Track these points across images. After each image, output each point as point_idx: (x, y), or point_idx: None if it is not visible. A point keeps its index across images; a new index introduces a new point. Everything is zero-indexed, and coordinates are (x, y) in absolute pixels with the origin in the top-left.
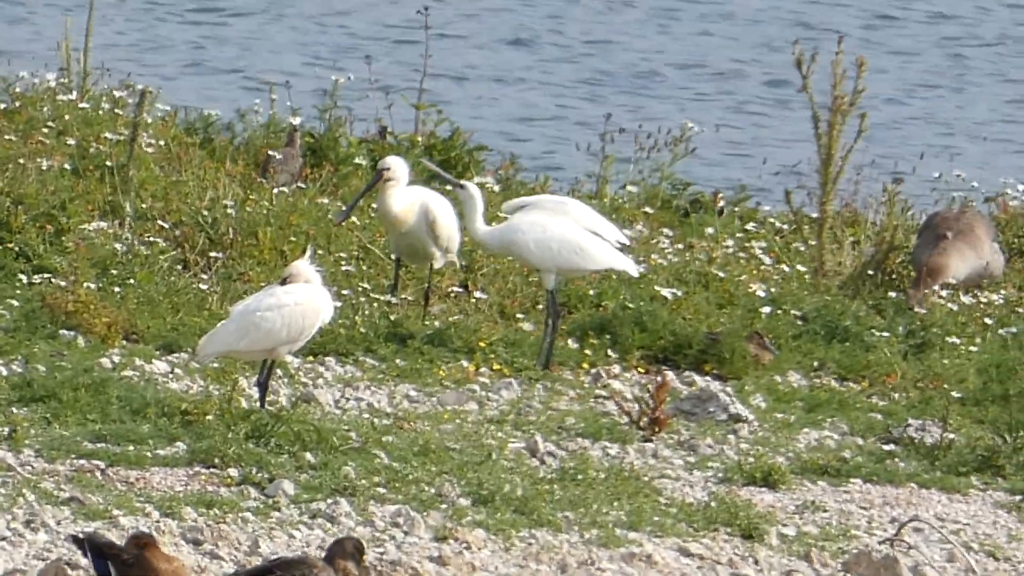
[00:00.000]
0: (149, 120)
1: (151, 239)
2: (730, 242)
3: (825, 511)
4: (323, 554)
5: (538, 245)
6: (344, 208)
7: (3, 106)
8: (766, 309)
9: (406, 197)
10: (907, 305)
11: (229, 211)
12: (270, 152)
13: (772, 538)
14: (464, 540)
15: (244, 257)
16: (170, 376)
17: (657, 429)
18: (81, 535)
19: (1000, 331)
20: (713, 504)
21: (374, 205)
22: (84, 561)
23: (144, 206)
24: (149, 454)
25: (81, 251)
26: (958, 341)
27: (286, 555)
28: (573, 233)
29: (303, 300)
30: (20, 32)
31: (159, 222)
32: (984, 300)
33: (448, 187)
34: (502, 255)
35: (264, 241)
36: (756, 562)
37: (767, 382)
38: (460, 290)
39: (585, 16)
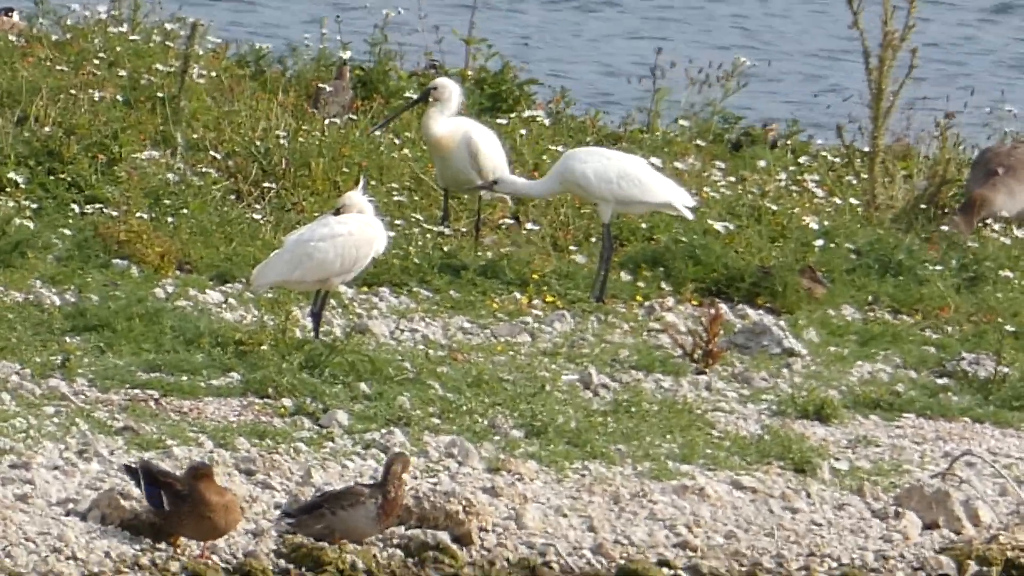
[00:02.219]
0: (200, 52)
1: (203, 169)
2: (783, 175)
3: (877, 445)
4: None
5: (596, 174)
6: (383, 119)
7: (54, 37)
8: (819, 242)
9: (449, 123)
10: (950, 229)
11: (282, 142)
12: (321, 84)
13: (824, 472)
14: (517, 471)
15: (297, 187)
16: (224, 306)
17: (710, 362)
18: (135, 464)
19: None
20: (766, 437)
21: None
22: (137, 492)
23: (196, 136)
24: (203, 384)
25: (133, 181)
26: (1011, 275)
27: (334, 488)
28: (633, 165)
29: (356, 230)
30: None
31: (211, 152)
32: None
33: (480, 187)
34: (563, 193)
35: (316, 172)
36: (808, 496)
37: (820, 316)
38: (512, 221)
39: None
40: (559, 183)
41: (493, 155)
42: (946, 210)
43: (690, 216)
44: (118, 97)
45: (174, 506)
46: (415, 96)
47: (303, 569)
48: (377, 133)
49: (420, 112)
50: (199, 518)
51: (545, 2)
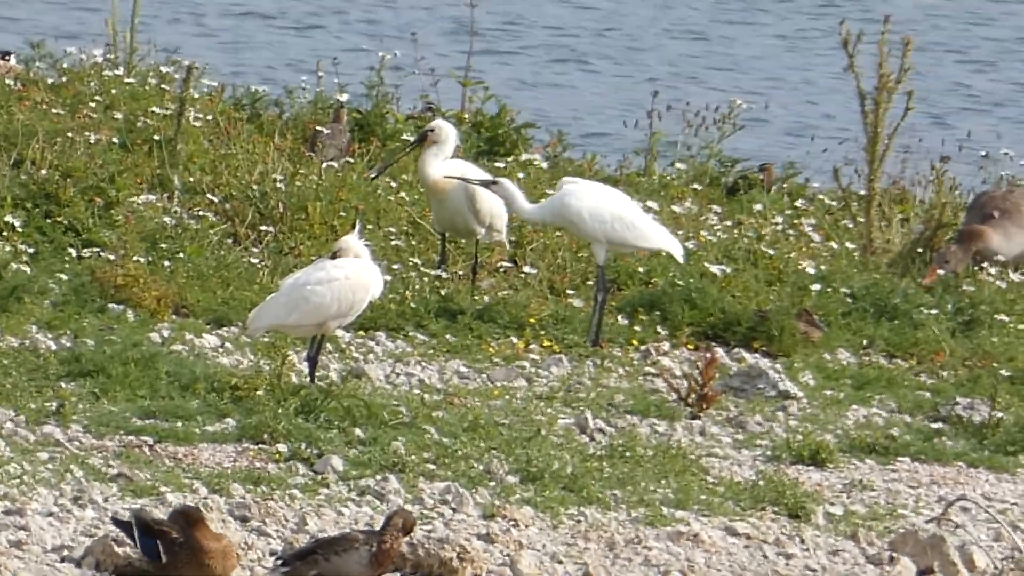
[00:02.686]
0: (196, 95)
1: (200, 213)
2: (779, 219)
3: (872, 490)
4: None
5: (591, 214)
6: (380, 163)
7: (50, 81)
8: (815, 286)
9: (446, 166)
10: (938, 261)
11: (278, 185)
12: (318, 127)
13: (819, 517)
14: (512, 517)
15: (294, 231)
16: (220, 351)
17: (705, 406)
18: (127, 516)
19: None
20: (761, 483)
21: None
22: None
23: (192, 180)
24: (198, 430)
25: (130, 225)
26: (1007, 319)
27: (329, 534)
28: (626, 207)
29: (353, 274)
30: (66, 9)
31: (208, 196)
32: None
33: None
34: (554, 226)
35: (314, 215)
36: (803, 541)
37: (816, 359)
38: (509, 265)
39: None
40: (551, 214)
41: (490, 198)
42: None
43: (680, 258)
44: (114, 140)
45: (171, 555)
46: (412, 139)
47: None
48: (374, 178)
49: (417, 156)
50: (197, 566)
51: (543, 47)
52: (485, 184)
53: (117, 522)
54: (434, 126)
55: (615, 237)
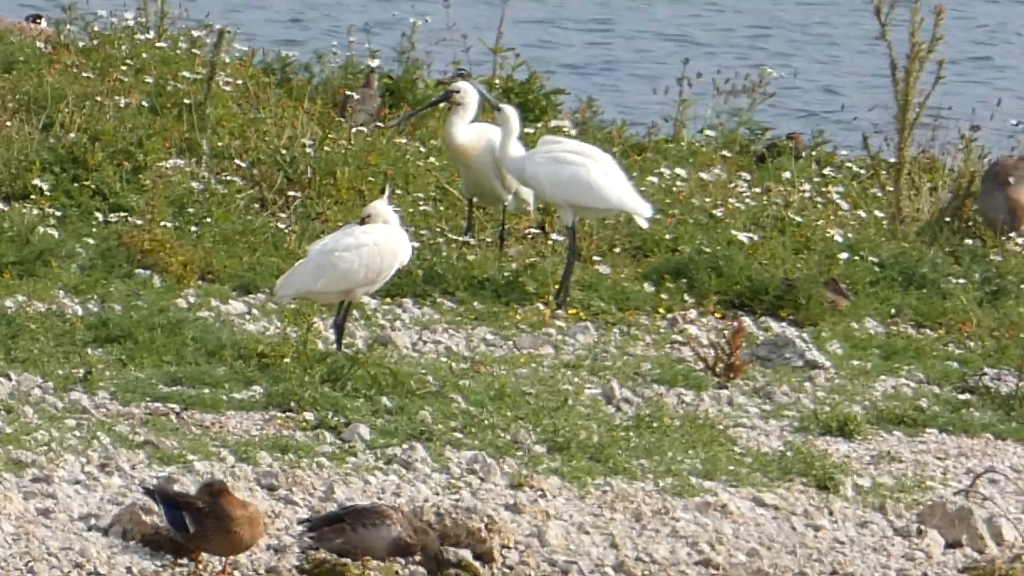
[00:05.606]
0: (226, 60)
1: (228, 177)
2: (807, 187)
3: (900, 461)
4: (397, 501)
5: (549, 179)
6: (401, 115)
7: (81, 44)
8: (843, 255)
9: (472, 130)
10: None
11: (307, 150)
12: (348, 92)
13: (847, 489)
14: (539, 487)
15: (322, 196)
16: (246, 317)
17: (733, 375)
18: (151, 487)
19: None
20: (788, 454)
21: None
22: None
23: (221, 144)
24: (225, 397)
25: (158, 189)
26: None
27: (358, 503)
28: (587, 170)
29: (381, 240)
30: None
31: (236, 160)
32: None
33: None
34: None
35: (342, 180)
36: (831, 513)
37: (843, 328)
38: (537, 231)
39: None
40: (516, 175)
41: None
42: (970, 223)
43: (646, 215)
44: (143, 104)
45: (198, 525)
46: (435, 97)
47: None
48: (394, 125)
49: (442, 117)
50: (225, 533)
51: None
52: (493, 106)
53: (146, 490)
54: (459, 87)
55: (573, 200)
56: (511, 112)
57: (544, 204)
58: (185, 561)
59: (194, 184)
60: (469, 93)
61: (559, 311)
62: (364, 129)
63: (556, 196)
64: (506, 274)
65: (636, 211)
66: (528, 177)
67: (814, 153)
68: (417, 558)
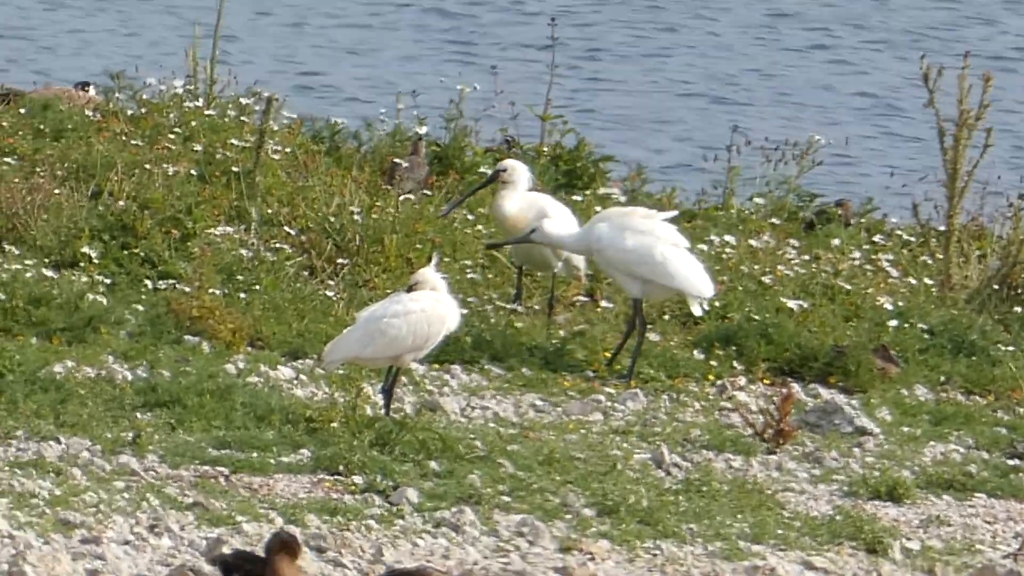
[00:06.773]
0: (275, 128)
1: (277, 245)
2: (857, 254)
3: (949, 525)
4: (447, 564)
5: (612, 243)
6: (451, 202)
7: (130, 112)
8: (893, 322)
9: (522, 200)
10: None
11: (356, 217)
12: (396, 160)
13: (896, 552)
14: (588, 551)
15: (370, 264)
16: (295, 383)
17: (782, 441)
18: (223, 555)
19: None
20: (838, 518)
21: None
22: (208, 568)
23: (270, 212)
24: (273, 461)
25: (207, 257)
26: None
27: (404, 566)
28: (657, 245)
29: (429, 307)
30: (145, 40)
31: (285, 228)
32: None
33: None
34: (587, 253)
35: (390, 248)
36: None
37: (893, 395)
38: (586, 299)
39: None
40: (583, 242)
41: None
42: (1019, 290)
43: (698, 312)
44: (192, 172)
45: None
46: (488, 174)
47: None
48: (444, 215)
49: (493, 189)
50: None
51: (621, 82)
52: (523, 239)
53: (214, 560)
54: (505, 166)
55: (636, 271)
56: (546, 227)
57: (595, 271)
58: None
59: (243, 251)
60: (516, 171)
61: (624, 378)
62: (412, 197)
63: (618, 261)
64: (555, 341)
65: (696, 294)
66: (592, 239)
67: (863, 220)
68: None
